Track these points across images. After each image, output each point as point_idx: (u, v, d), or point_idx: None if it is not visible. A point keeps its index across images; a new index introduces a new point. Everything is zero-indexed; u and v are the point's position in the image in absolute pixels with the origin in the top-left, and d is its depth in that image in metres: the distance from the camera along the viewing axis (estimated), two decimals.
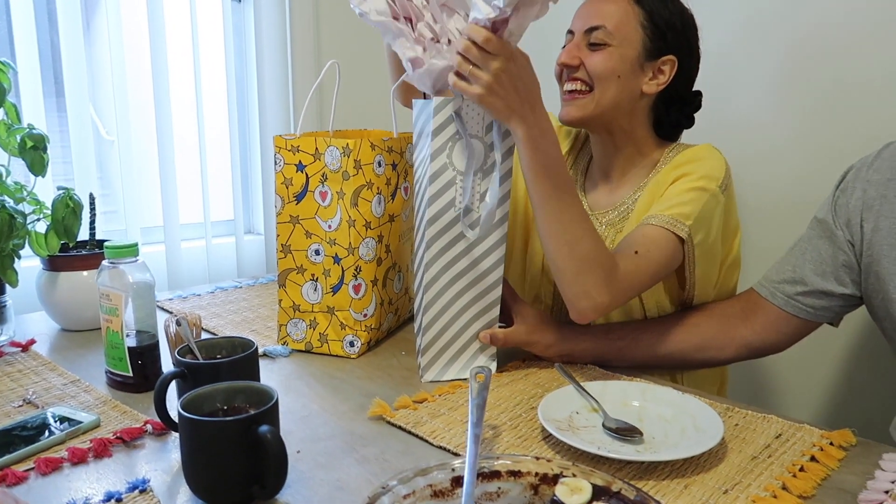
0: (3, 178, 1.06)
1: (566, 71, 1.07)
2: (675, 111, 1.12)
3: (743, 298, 1.06)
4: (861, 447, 0.79)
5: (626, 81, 1.05)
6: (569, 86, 1.07)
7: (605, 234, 1.11)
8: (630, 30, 1.04)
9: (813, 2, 1.27)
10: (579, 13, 1.09)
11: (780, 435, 0.81)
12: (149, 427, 0.81)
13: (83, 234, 1.15)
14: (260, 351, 1.01)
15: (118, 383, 0.93)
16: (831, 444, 0.78)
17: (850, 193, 0.96)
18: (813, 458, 0.75)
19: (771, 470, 0.73)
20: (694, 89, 1.13)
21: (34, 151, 1.06)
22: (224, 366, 0.79)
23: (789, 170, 1.34)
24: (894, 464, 0.74)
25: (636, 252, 0.96)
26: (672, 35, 1.06)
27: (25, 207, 1.07)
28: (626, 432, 0.78)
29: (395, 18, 0.89)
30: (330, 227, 1.03)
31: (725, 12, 1.38)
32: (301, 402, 0.90)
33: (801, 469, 0.73)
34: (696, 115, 1.15)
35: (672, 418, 0.83)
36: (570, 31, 1.09)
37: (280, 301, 1.08)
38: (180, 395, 0.80)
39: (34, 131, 1.07)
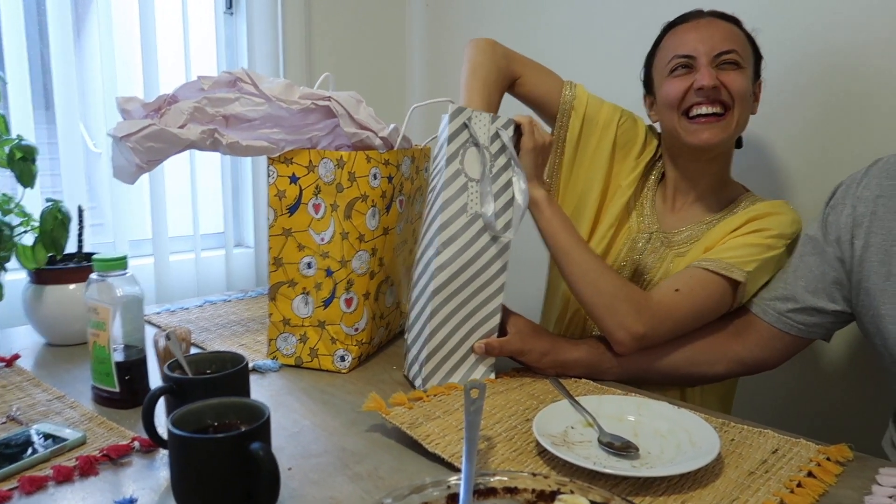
0: None
1: (704, 93, 1.03)
2: None
3: (735, 315, 1.06)
4: (858, 462, 0.78)
5: (750, 103, 1.08)
6: (707, 109, 1.04)
7: (664, 255, 1.12)
8: (748, 53, 1.07)
9: (818, 10, 1.27)
10: (697, 37, 1.05)
11: (776, 450, 0.80)
12: (136, 444, 0.79)
13: (71, 247, 1.13)
14: (249, 366, 0.99)
15: (105, 399, 0.92)
16: (828, 459, 0.78)
17: (840, 210, 0.96)
18: (810, 474, 0.74)
19: (768, 486, 0.72)
20: None
21: (23, 163, 1.05)
22: (214, 381, 0.78)
23: (783, 181, 1.34)
24: (891, 478, 0.73)
25: (676, 290, 0.99)
26: (759, 59, 1.10)
27: (13, 219, 1.05)
28: (622, 448, 0.78)
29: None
30: (323, 239, 1.02)
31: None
32: (292, 418, 0.89)
33: (799, 485, 0.72)
34: None
35: (668, 433, 0.83)
36: (683, 56, 1.05)
37: (270, 315, 1.07)
38: (169, 411, 0.79)
39: (23, 142, 1.06)
